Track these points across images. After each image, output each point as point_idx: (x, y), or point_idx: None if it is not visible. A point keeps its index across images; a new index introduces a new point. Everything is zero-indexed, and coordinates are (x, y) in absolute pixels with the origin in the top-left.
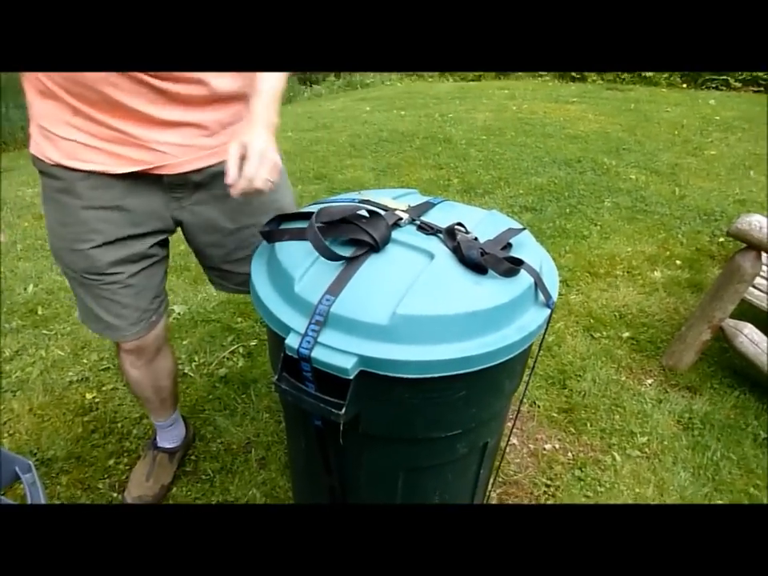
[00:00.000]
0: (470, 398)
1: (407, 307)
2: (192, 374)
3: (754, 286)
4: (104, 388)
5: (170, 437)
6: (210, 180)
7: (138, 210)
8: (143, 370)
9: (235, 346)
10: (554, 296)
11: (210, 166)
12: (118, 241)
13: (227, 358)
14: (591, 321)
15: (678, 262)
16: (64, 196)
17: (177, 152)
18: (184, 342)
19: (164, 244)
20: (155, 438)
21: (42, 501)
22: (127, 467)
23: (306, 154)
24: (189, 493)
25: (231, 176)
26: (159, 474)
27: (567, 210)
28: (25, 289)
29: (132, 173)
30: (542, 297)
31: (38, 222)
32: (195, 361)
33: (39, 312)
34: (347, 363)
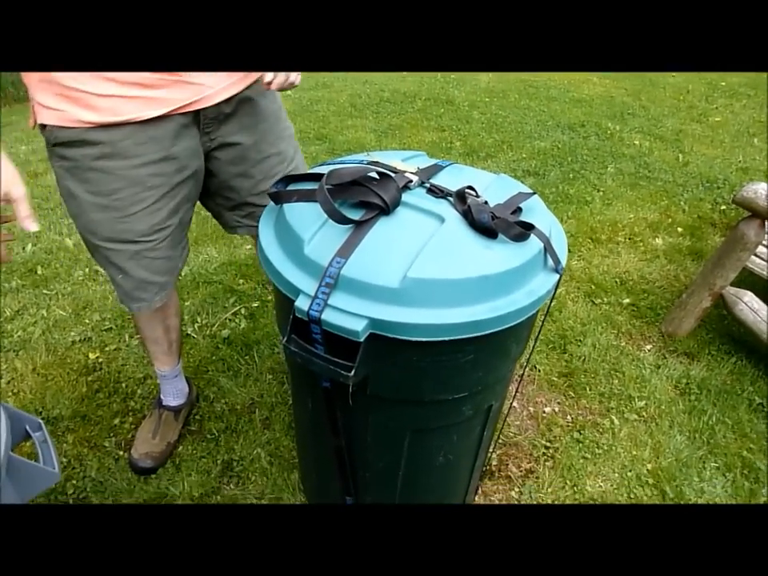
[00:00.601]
0: (478, 362)
1: (418, 270)
2: (195, 336)
3: (755, 255)
4: (107, 348)
5: (174, 391)
6: (237, 108)
7: (183, 155)
8: None
9: (237, 308)
10: (563, 261)
11: (237, 94)
12: (171, 191)
13: (229, 320)
14: (592, 287)
15: (679, 229)
16: (107, 161)
17: (211, 82)
18: (186, 304)
19: None
20: (160, 397)
21: (54, 459)
22: (132, 426)
23: (306, 114)
24: (194, 452)
25: (269, 74)
26: (165, 432)
27: (570, 176)
28: (23, 248)
29: (173, 116)
30: (550, 262)
31: (33, 180)
32: (198, 322)
33: (39, 272)
34: (358, 326)
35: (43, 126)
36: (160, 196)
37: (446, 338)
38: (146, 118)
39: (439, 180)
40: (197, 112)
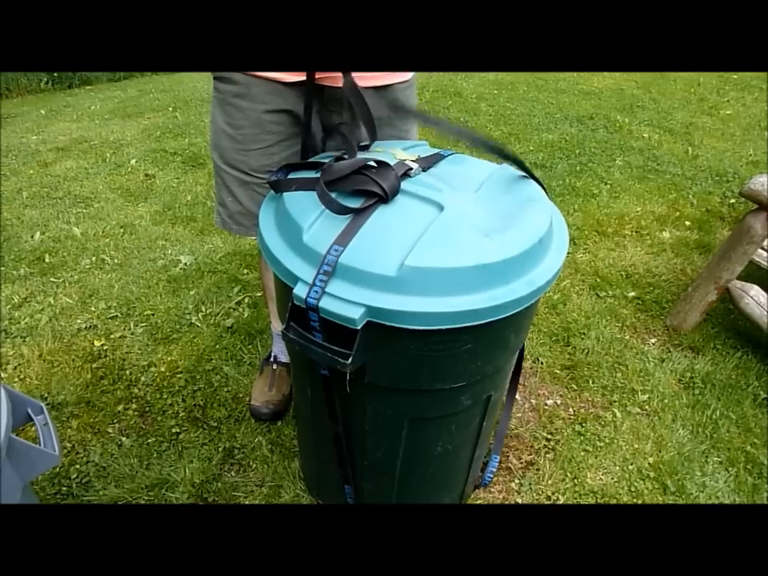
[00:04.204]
0: (476, 351)
1: (415, 259)
2: (199, 324)
3: (762, 248)
4: (112, 336)
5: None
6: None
7: (302, 113)
8: None
9: (241, 297)
10: (564, 252)
11: (367, 88)
12: (287, 140)
13: (233, 309)
14: (597, 280)
15: (687, 222)
16: (241, 100)
17: None
18: (191, 293)
19: None
20: (274, 355)
21: (54, 441)
22: (136, 413)
23: None
24: (196, 438)
25: None
26: (280, 384)
27: (577, 168)
28: (32, 236)
29: (300, 82)
30: (551, 252)
31: (44, 169)
32: (202, 311)
33: (46, 260)
34: (355, 314)
35: None
36: (276, 141)
37: (443, 327)
38: (279, 80)
39: (440, 169)
40: (322, 88)
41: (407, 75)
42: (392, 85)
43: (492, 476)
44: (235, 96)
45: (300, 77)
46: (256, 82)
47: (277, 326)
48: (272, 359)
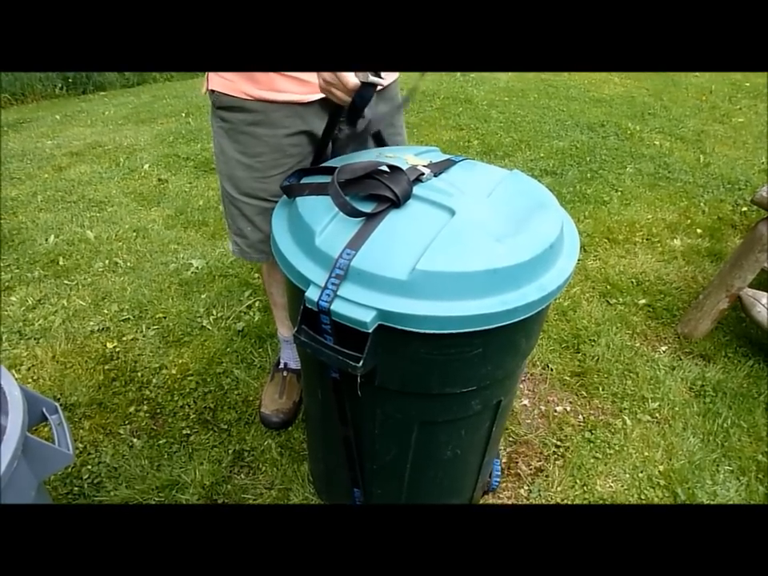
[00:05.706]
0: (486, 356)
1: (427, 263)
2: (210, 327)
3: None
4: (124, 338)
5: (296, 356)
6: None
7: (319, 132)
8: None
9: (252, 301)
10: (575, 258)
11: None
12: (305, 160)
13: (244, 313)
14: (608, 287)
15: (698, 230)
16: (257, 128)
17: None
18: (202, 296)
19: None
20: (283, 362)
21: (68, 441)
22: (147, 414)
23: None
24: (207, 441)
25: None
26: (290, 392)
27: (588, 175)
28: (46, 239)
29: (318, 100)
30: (562, 257)
31: (58, 173)
32: (213, 314)
33: (60, 262)
34: (366, 317)
35: (212, 91)
36: (296, 163)
37: (454, 331)
38: (298, 101)
39: (451, 175)
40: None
41: (396, 74)
42: (389, 85)
43: (498, 481)
44: (250, 124)
45: (317, 95)
46: (273, 107)
47: (284, 331)
48: (282, 366)
